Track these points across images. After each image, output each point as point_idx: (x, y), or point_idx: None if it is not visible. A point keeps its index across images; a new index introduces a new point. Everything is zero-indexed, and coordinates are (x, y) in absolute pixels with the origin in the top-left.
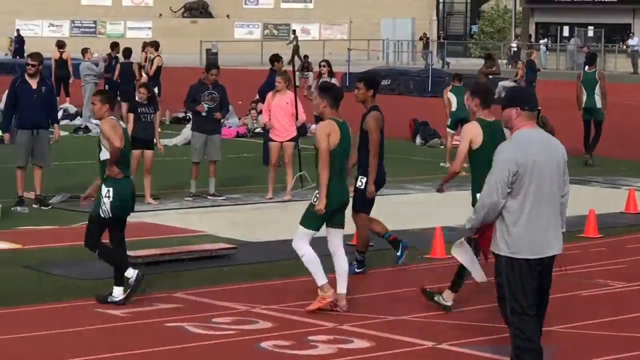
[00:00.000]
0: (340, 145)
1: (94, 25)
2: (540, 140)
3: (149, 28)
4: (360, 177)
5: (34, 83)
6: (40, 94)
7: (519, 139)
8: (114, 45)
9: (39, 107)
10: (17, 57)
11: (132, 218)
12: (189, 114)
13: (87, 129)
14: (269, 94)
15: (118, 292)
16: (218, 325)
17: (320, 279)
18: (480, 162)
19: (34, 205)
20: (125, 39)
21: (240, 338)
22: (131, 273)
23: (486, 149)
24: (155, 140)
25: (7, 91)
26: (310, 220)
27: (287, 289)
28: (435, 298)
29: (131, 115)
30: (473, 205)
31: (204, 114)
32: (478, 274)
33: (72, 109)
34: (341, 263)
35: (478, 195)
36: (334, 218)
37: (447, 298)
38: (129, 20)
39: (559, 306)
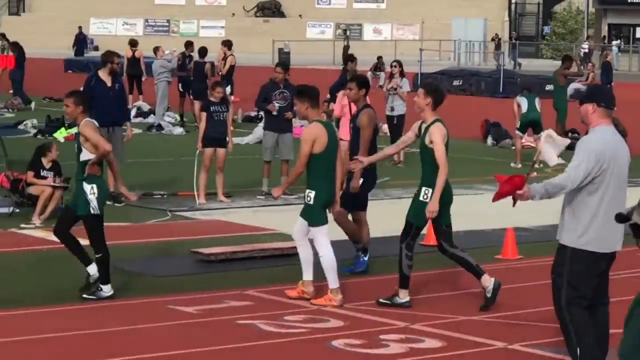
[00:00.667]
0: (327, 148)
1: (167, 24)
2: (616, 140)
3: (222, 27)
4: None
5: (108, 81)
6: (115, 92)
7: (602, 135)
8: (188, 44)
9: (114, 104)
10: (79, 56)
11: (204, 215)
12: (261, 113)
13: (160, 127)
14: (340, 93)
15: (107, 288)
16: (289, 323)
17: (309, 275)
18: (435, 160)
19: (107, 202)
20: (198, 38)
21: (312, 336)
22: (93, 270)
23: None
24: (227, 139)
25: (82, 89)
26: (316, 217)
27: (358, 287)
28: (393, 301)
29: (204, 114)
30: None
31: (275, 113)
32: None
33: (145, 107)
34: (309, 251)
35: (425, 189)
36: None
37: (402, 296)
38: (202, 19)
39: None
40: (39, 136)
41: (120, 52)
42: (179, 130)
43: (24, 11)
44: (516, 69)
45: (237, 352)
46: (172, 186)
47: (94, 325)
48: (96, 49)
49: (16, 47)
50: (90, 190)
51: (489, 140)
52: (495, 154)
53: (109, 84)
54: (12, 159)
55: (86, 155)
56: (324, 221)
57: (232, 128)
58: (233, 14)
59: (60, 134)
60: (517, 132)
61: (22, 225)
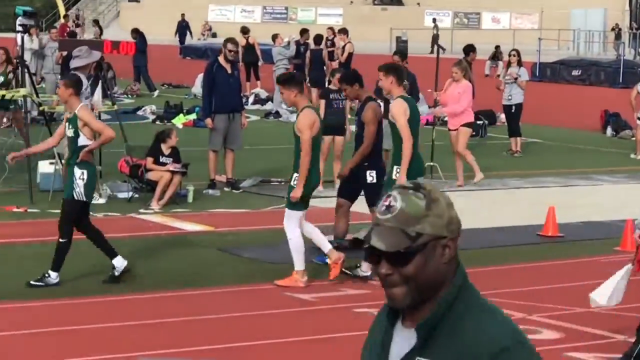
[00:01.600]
0: (318, 134)
1: (285, 11)
2: None
3: (340, 15)
4: (369, 171)
5: (228, 68)
6: (234, 79)
7: None
8: (304, 32)
9: (235, 91)
10: (182, 44)
11: (324, 203)
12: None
13: (277, 114)
14: (447, 82)
15: (55, 275)
16: None
17: (301, 264)
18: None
19: (226, 189)
20: (316, 26)
21: None
22: (119, 263)
23: (411, 123)
24: (345, 127)
25: (202, 76)
26: (297, 203)
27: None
28: (354, 272)
29: (322, 102)
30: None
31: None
32: None
33: (263, 94)
34: (315, 229)
35: (396, 167)
36: (308, 201)
37: (365, 269)
38: (320, 6)
39: None
40: (157, 122)
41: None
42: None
43: None
44: (636, 59)
45: (353, 340)
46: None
47: (212, 310)
48: (214, 35)
49: (137, 33)
50: (80, 176)
51: (609, 131)
52: (614, 144)
53: (229, 70)
54: (132, 145)
55: (84, 140)
56: (304, 207)
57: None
58: (351, 2)
59: (179, 120)
60: (638, 121)
61: (141, 211)
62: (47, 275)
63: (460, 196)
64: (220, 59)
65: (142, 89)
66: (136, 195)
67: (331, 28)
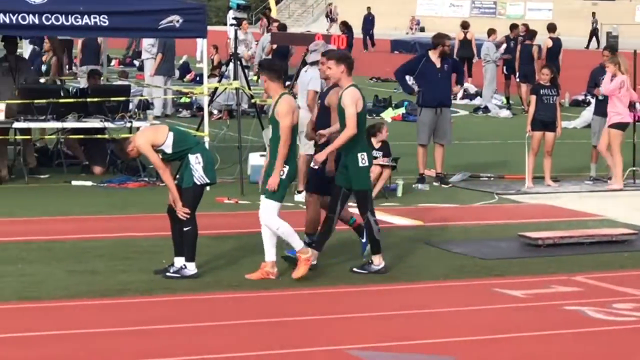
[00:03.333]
0: (296, 122)
1: (494, 5)
2: None
3: (549, 10)
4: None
5: (438, 62)
6: (444, 73)
7: None
8: (513, 27)
9: (443, 86)
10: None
11: (531, 199)
12: (589, 97)
13: (486, 109)
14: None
15: (191, 266)
16: (618, 311)
17: (299, 243)
18: (362, 124)
19: (434, 183)
20: (525, 21)
21: None
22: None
23: (360, 114)
24: (556, 123)
25: (408, 61)
26: (279, 193)
27: None
28: (368, 269)
29: (533, 97)
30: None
31: (600, 97)
32: None
33: (472, 89)
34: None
35: (360, 155)
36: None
37: (377, 262)
38: (530, 1)
39: None
40: (367, 116)
41: (450, 34)
42: (505, 112)
43: None
44: None
45: (563, 337)
46: (499, 169)
47: (421, 305)
48: (422, 29)
49: (345, 27)
50: (196, 160)
51: None
52: None
53: (438, 65)
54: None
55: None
56: (282, 200)
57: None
58: None
59: (388, 114)
60: None
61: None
62: (184, 266)
63: None
64: (431, 53)
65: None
66: None
67: (525, 24)
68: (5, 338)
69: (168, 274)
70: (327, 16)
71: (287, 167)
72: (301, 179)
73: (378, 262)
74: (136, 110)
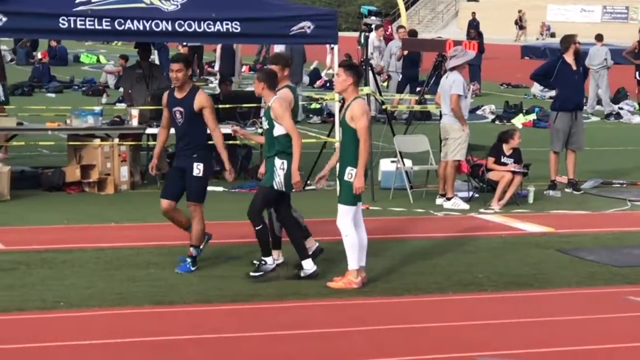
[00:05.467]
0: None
1: (625, 11)
2: None
3: None
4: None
5: (573, 64)
6: (579, 74)
7: None
8: None
9: (580, 88)
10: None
11: None
12: None
13: (618, 115)
14: None
15: (308, 265)
16: None
17: (355, 263)
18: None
19: (566, 190)
20: None
21: None
22: (310, 266)
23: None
24: None
25: (542, 65)
26: (349, 197)
27: None
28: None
29: None
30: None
31: None
32: None
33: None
34: (363, 236)
35: (350, 168)
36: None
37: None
38: None
39: None
40: (497, 122)
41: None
42: (638, 118)
43: None
44: None
45: None
46: (632, 175)
47: (553, 312)
48: (552, 35)
49: (477, 32)
50: (281, 166)
51: None
52: None
53: (574, 67)
54: (472, 144)
55: (279, 130)
56: (355, 204)
57: None
58: None
59: (518, 120)
60: None
61: (481, 210)
62: (263, 262)
63: None
64: (566, 55)
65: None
66: (476, 195)
67: None
68: (141, 342)
69: (252, 274)
70: (516, 23)
71: (355, 169)
72: (450, 185)
73: (272, 261)
74: None
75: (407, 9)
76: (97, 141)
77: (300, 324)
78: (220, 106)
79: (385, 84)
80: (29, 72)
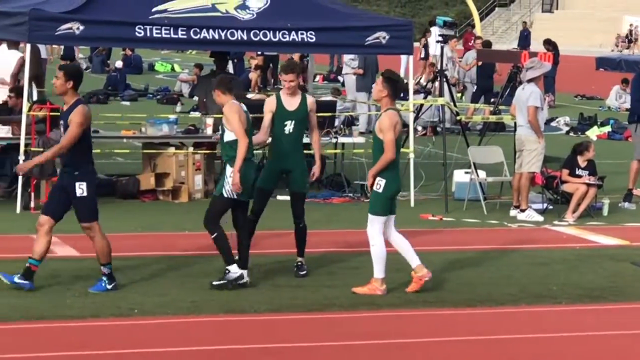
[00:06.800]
0: (399, 136)
1: None
2: None
3: None
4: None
5: None
6: None
7: None
8: None
9: None
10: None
11: None
12: None
13: None
14: None
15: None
16: None
17: (380, 272)
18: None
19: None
20: None
21: None
22: (235, 270)
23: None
24: None
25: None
26: (378, 206)
27: None
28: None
29: None
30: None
31: None
32: None
33: None
34: (403, 241)
35: (379, 179)
36: (393, 204)
37: (234, 270)
38: None
39: None
40: (571, 134)
41: None
42: None
43: (556, 8)
44: None
45: None
46: None
47: (628, 326)
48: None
49: (549, 44)
50: (231, 174)
51: None
52: None
53: None
54: (546, 156)
55: (229, 135)
56: (385, 214)
57: None
58: None
59: (593, 132)
60: None
61: (555, 222)
62: (227, 271)
63: None
64: None
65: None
66: (550, 207)
67: None
68: (213, 350)
69: (215, 282)
70: (626, 37)
71: (384, 180)
72: (524, 197)
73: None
74: (342, 126)
75: (481, 19)
76: (172, 149)
77: (374, 334)
78: None
79: (459, 94)
80: (104, 80)
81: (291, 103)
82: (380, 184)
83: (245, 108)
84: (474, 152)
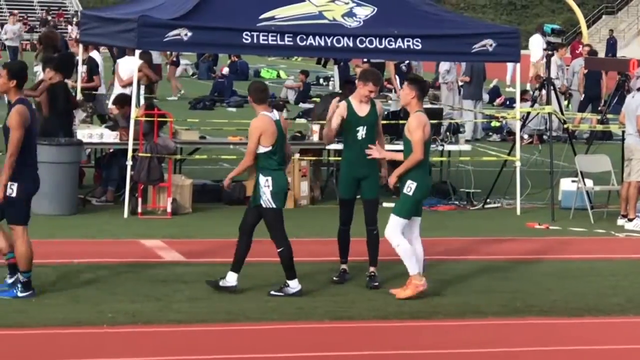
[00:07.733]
0: (429, 139)
1: None
2: None
3: None
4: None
5: None
6: None
7: None
8: None
9: None
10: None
11: None
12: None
13: None
14: None
15: (294, 284)
16: None
17: (414, 268)
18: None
19: None
20: None
21: None
22: (231, 279)
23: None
24: None
25: None
26: (404, 210)
27: None
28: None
29: None
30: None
31: None
32: None
33: None
34: (419, 248)
35: (410, 182)
36: (419, 207)
37: (230, 279)
38: None
39: None
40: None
41: None
42: None
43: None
44: None
45: None
46: None
47: None
48: None
49: None
50: (265, 183)
51: None
52: None
53: None
54: None
55: (261, 148)
56: (408, 217)
57: None
58: None
59: None
60: None
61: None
62: (286, 284)
63: None
64: None
65: None
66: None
67: None
68: (319, 357)
69: (272, 292)
70: None
71: (416, 183)
72: (632, 206)
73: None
74: (447, 133)
75: (588, 27)
76: None
77: (482, 342)
78: (401, 122)
79: (566, 102)
80: (211, 86)
81: (362, 109)
82: (411, 187)
83: (277, 117)
84: (581, 161)
